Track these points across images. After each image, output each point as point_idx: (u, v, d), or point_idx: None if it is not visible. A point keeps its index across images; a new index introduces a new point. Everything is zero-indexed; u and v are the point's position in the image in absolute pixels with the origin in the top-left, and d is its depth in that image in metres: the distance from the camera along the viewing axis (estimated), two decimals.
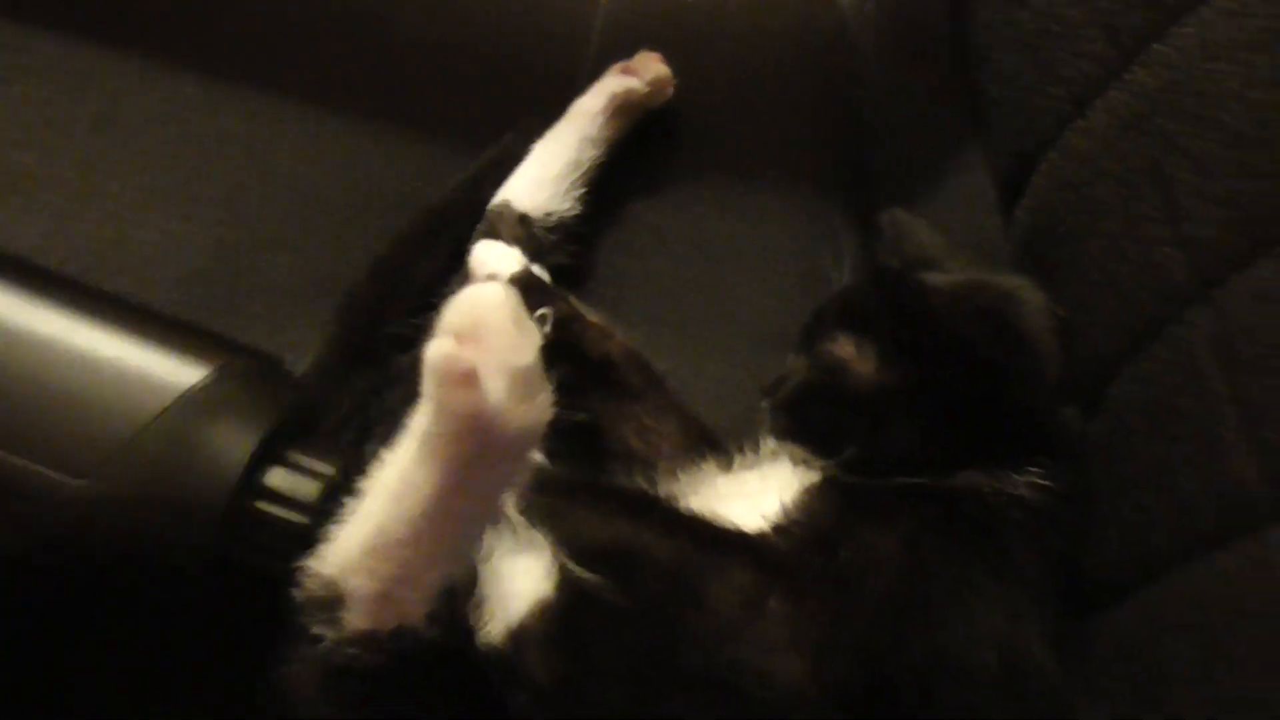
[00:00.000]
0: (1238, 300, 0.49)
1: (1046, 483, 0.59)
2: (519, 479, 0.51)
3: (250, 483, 0.54)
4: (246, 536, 0.54)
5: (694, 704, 0.54)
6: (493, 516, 0.51)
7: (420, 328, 0.73)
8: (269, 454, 0.56)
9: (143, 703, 0.60)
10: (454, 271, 0.77)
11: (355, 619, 0.48)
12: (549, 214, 0.78)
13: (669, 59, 0.83)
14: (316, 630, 0.48)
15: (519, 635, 0.57)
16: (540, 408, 0.47)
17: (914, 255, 0.72)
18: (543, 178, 0.79)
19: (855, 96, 0.87)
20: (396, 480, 0.48)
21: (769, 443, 0.67)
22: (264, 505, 0.55)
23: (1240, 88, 0.48)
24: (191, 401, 0.54)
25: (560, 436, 0.69)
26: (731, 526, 0.58)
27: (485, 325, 0.45)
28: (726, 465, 0.67)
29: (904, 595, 0.56)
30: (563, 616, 0.57)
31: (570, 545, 0.59)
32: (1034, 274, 0.66)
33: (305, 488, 0.56)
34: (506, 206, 0.78)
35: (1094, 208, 0.58)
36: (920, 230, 0.74)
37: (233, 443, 0.54)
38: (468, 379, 0.44)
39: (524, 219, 0.77)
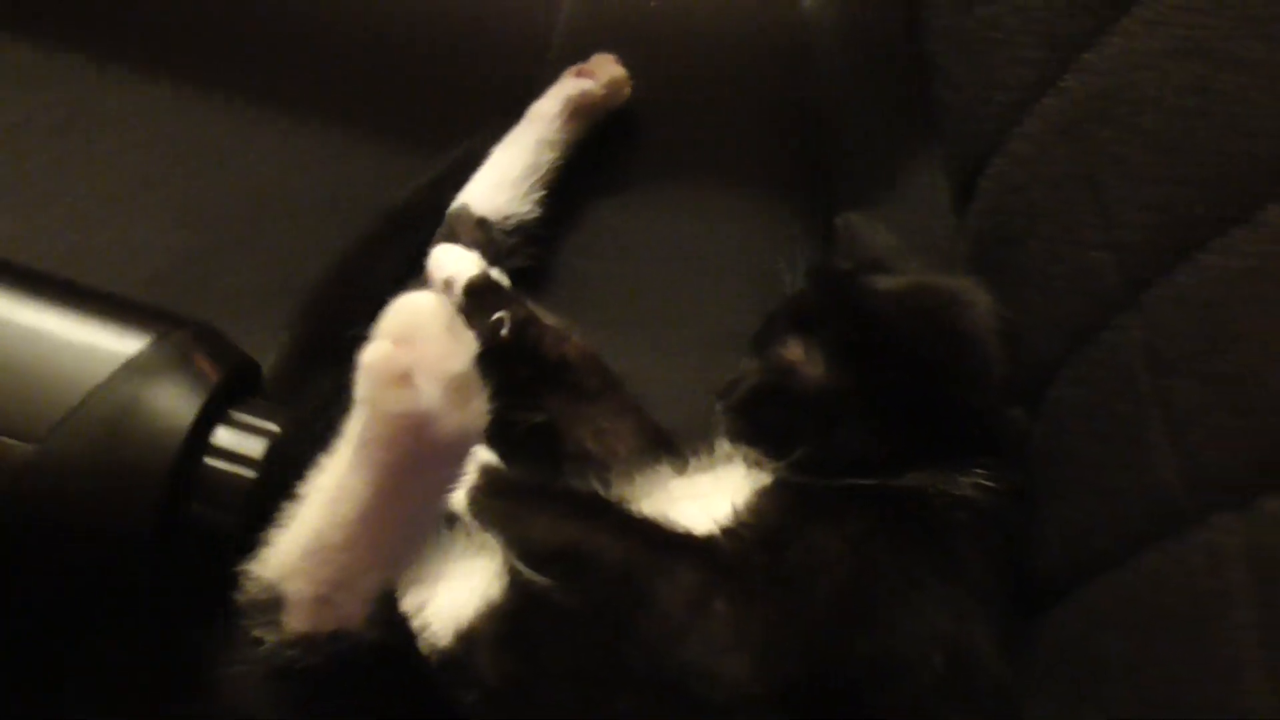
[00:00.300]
0: (1162, 304, 0.49)
1: (992, 484, 0.60)
2: (456, 484, 0.51)
3: (197, 441, 0.56)
4: (196, 493, 0.56)
5: (642, 705, 0.54)
6: (431, 521, 0.51)
7: None
8: (214, 414, 0.58)
9: (93, 668, 0.61)
10: (414, 274, 0.78)
11: (294, 622, 0.48)
12: (508, 217, 0.79)
13: (630, 63, 0.84)
14: (258, 633, 0.49)
15: (469, 636, 0.57)
16: (474, 414, 0.47)
17: (868, 258, 0.72)
18: (501, 181, 0.80)
19: (815, 100, 0.88)
20: (333, 485, 0.48)
21: (723, 445, 0.68)
22: (212, 461, 0.57)
23: (1160, 95, 0.49)
24: (136, 367, 0.56)
25: (519, 438, 0.70)
26: (681, 529, 0.59)
27: (419, 331, 0.45)
28: (681, 467, 0.68)
29: (850, 595, 0.57)
30: (513, 618, 0.57)
31: (521, 548, 0.59)
32: (985, 276, 0.66)
33: (251, 444, 0.58)
34: (465, 210, 0.79)
35: (1033, 211, 0.59)
36: (875, 233, 0.75)
37: (178, 404, 0.56)
38: (403, 379, 0.45)
39: (483, 222, 0.78)
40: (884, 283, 0.67)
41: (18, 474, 0.53)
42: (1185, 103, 0.47)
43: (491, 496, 0.62)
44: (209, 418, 0.57)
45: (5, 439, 0.53)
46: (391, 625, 0.50)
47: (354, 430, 0.47)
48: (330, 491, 0.48)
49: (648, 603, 0.55)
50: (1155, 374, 0.50)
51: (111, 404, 0.55)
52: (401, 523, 0.49)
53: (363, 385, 0.46)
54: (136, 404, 0.55)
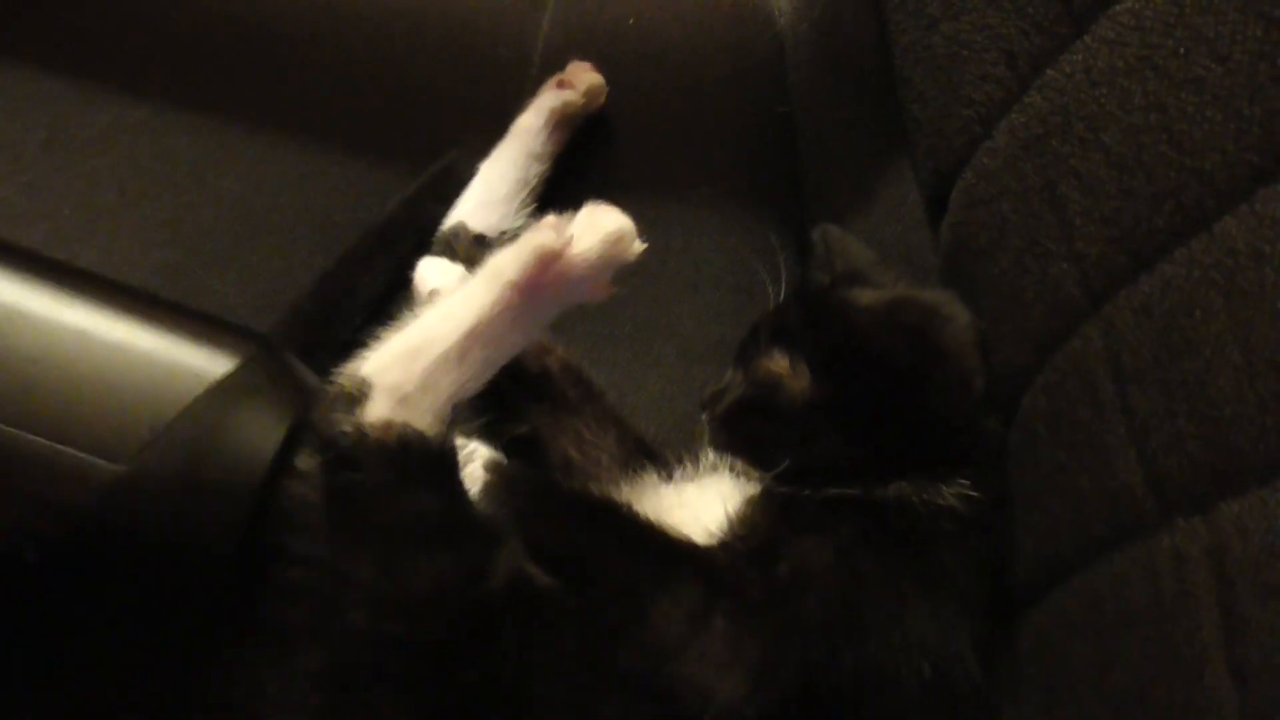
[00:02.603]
0: (1123, 314, 0.50)
1: (974, 493, 0.61)
2: (539, 329, 0.59)
3: (282, 466, 0.56)
4: (279, 518, 0.56)
5: (629, 712, 0.55)
6: (508, 357, 0.57)
7: (375, 336, 0.76)
8: (298, 438, 0.57)
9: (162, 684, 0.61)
10: (396, 288, 0.79)
11: (377, 409, 0.53)
12: (503, 233, 0.80)
13: (609, 80, 0.85)
14: (338, 417, 0.53)
15: None
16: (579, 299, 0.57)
17: (845, 270, 0.74)
18: (493, 198, 0.81)
19: (790, 115, 0.89)
20: (456, 299, 0.55)
21: (708, 455, 0.68)
22: (296, 487, 0.57)
23: (1119, 112, 0.50)
24: (223, 389, 0.55)
25: (502, 449, 0.71)
26: (683, 540, 0.60)
27: (605, 245, 0.56)
28: (667, 476, 0.69)
29: (841, 609, 0.57)
30: (510, 610, 0.58)
31: (531, 547, 0.59)
32: (957, 287, 0.67)
33: None
34: (462, 228, 0.80)
35: (1001, 224, 0.60)
36: (851, 245, 0.76)
37: (263, 428, 0.56)
38: (552, 263, 0.55)
39: (480, 239, 0.79)
40: (866, 297, 0.67)
41: (104, 494, 0.53)
42: (1143, 120, 0.48)
43: (509, 494, 0.63)
44: (293, 442, 0.57)
45: (93, 459, 0.53)
46: (451, 434, 0.55)
47: (494, 263, 0.55)
48: (449, 306, 0.55)
49: (647, 614, 0.56)
50: (1117, 381, 0.51)
51: (199, 426, 0.54)
52: (491, 346, 0.55)
53: (528, 233, 0.55)
54: (223, 427, 0.55)
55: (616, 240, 0.57)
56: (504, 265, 0.55)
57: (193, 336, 0.58)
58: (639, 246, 0.58)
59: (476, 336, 0.54)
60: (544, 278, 0.55)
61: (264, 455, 0.55)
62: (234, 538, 0.54)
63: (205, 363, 0.56)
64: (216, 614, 0.57)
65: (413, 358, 0.54)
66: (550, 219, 0.57)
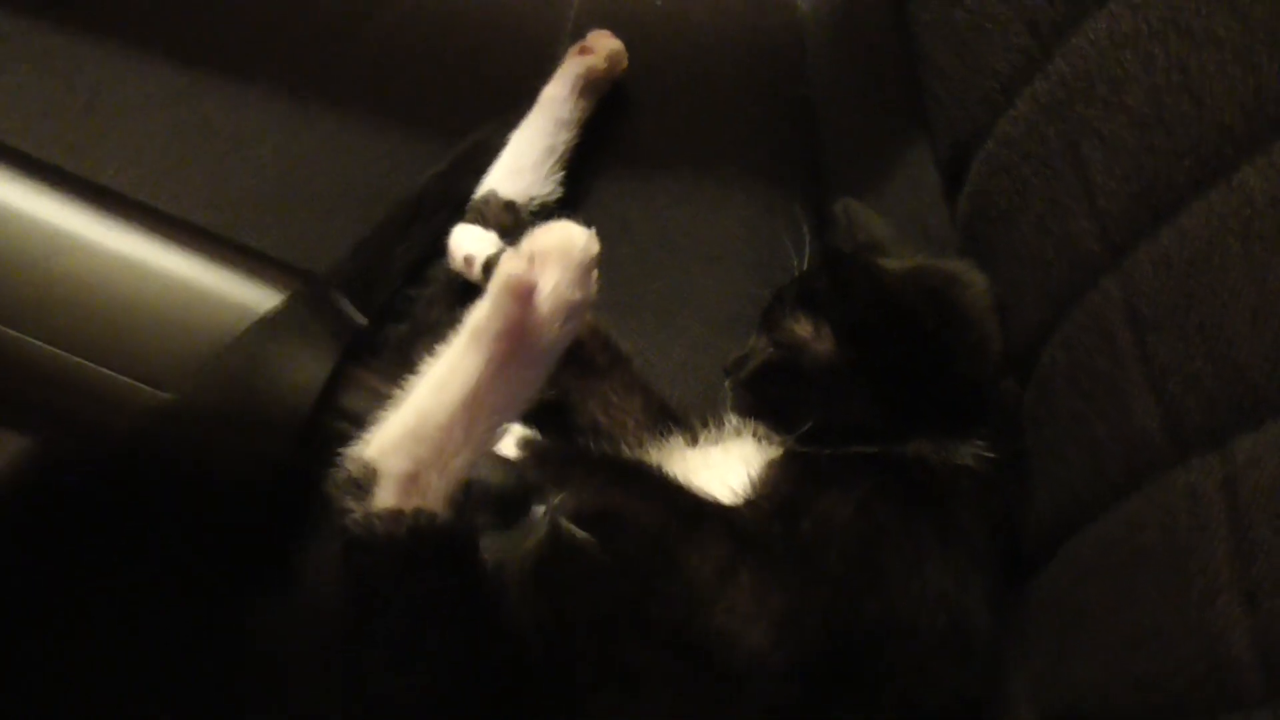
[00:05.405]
0: (1142, 267, 0.52)
1: (989, 453, 0.63)
2: (535, 389, 0.56)
3: (326, 402, 0.56)
4: (321, 454, 0.55)
5: (659, 661, 0.57)
6: (511, 418, 0.56)
7: (415, 300, 0.78)
8: (341, 375, 0.58)
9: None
10: (430, 258, 0.81)
11: (385, 496, 0.52)
12: (533, 199, 0.82)
13: (637, 58, 0.87)
14: (349, 504, 0.52)
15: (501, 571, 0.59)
16: (570, 332, 0.54)
17: (865, 241, 0.76)
18: (523, 165, 0.83)
19: (809, 94, 0.92)
20: (444, 370, 0.53)
21: (732, 419, 0.70)
22: (341, 425, 0.57)
23: (1142, 73, 0.52)
24: (270, 324, 0.56)
25: (533, 412, 0.73)
26: (710, 498, 0.62)
27: (562, 256, 0.53)
28: (691, 440, 0.71)
29: (861, 562, 0.59)
30: (548, 565, 0.60)
31: (566, 508, 0.62)
32: (976, 256, 0.70)
33: (375, 408, 0.57)
34: (493, 195, 0.81)
35: (1022, 189, 0.62)
36: (871, 219, 0.78)
37: (309, 364, 0.56)
38: (527, 295, 0.51)
39: (510, 205, 0.81)
40: (888, 264, 0.70)
41: (152, 421, 0.53)
42: (1165, 79, 0.51)
43: (539, 464, 0.65)
44: (337, 378, 0.57)
45: (138, 384, 0.53)
46: (465, 512, 0.54)
47: (473, 320, 0.53)
48: (440, 376, 0.53)
49: (676, 567, 0.58)
50: (1135, 331, 0.53)
51: (246, 359, 0.54)
52: (494, 410, 0.53)
53: (494, 287, 0.52)
54: (270, 361, 0.55)
55: (571, 247, 0.53)
56: (482, 319, 0.53)
57: (242, 270, 0.58)
58: (594, 246, 0.55)
59: (477, 404, 0.52)
60: (527, 316, 0.52)
61: (310, 391, 0.55)
62: (275, 472, 0.55)
63: (254, 296, 0.56)
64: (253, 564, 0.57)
65: (415, 439, 0.52)
66: (508, 251, 0.54)
